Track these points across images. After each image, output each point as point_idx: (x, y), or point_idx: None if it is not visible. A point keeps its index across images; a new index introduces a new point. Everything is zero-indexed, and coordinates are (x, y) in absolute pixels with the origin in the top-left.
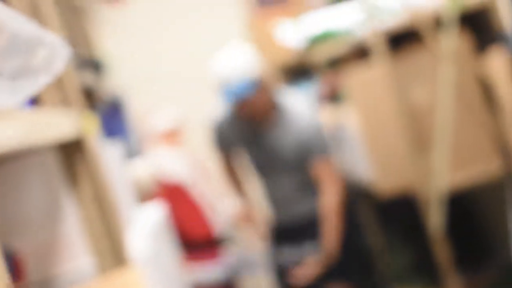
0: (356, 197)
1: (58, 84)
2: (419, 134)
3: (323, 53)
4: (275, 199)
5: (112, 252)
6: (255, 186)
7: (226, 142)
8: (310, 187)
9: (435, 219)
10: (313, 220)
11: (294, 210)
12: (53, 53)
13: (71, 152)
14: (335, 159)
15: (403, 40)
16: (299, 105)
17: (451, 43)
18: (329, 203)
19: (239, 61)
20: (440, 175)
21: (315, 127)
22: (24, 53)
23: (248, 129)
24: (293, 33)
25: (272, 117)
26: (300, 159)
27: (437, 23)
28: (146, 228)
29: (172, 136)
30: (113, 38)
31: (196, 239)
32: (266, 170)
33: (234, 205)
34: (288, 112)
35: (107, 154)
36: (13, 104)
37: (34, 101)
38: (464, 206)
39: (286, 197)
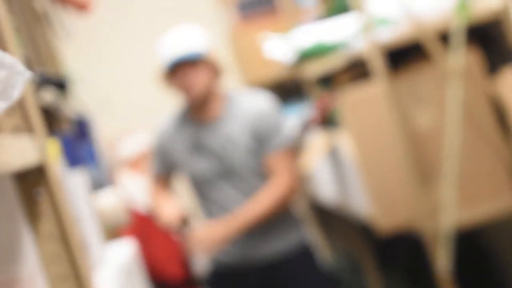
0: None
1: (17, 106)
2: (423, 163)
3: (315, 69)
4: None
5: None
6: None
7: (167, 151)
8: (283, 213)
9: (442, 260)
10: (281, 265)
11: (252, 246)
12: (12, 77)
13: (31, 181)
14: (296, 154)
15: (405, 55)
16: (250, 93)
17: (459, 59)
18: (270, 191)
19: (184, 34)
20: (448, 209)
21: (271, 112)
22: None
23: (193, 130)
24: (281, 47)
25: (219, 108)
26: (257, 156)
27: (444, 36)
28: (115, 268)
29: (142, 163)
30: (78, 54)
31: (171, 280)
32: (215, 181)
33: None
34: (238, 100)
35: (71, 183)
36: None
37: None
38: (475, 244)
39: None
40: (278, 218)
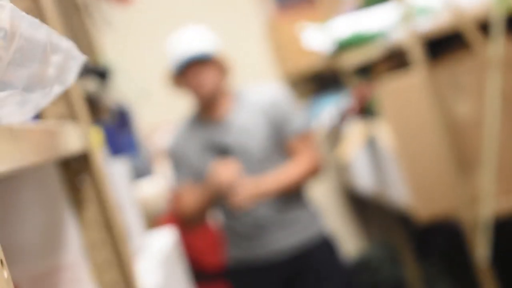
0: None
1: (61, 94)
2: (462, 152)
3: (353, 59)
4: (243, 222)
5: (119, 284)
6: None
7: (185, 157)
8: (298, 201)
9: (481, 249)
10: (301, 258)
11: (271, 241)
12: (67, 61)
13: (75, 169)
14: (314, 134)
15: (444, 45)
16: (259, 86)
17: (499, 49)
18: (298, 162)
19: (193, 34)
20: (487, 198)
21: (284, 97)
22: (37, 61)
23: (205, 130)
24: (319, 37)
25: (228, 105)
26: (276, 147)
27: (483, 25)
28: (156, 256)
29: None
30: (118, 44)
31: (211, 269)
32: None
33: None
34: (247, 94)
35: (114, 172)
36: (25, 117)
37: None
38: None
39: (260, 220)
40: (296, 209)
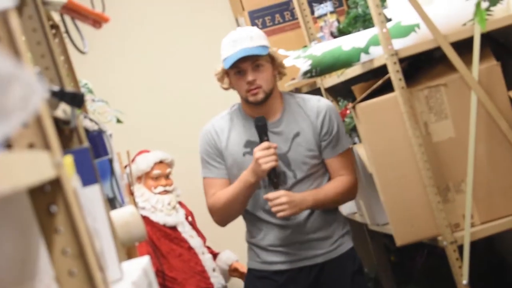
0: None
1: (32, 122)
2: (442, 175)
3: (332, 81)
4: (279, 235)
5: None
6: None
7: (221, 153)
8: (334, 216)
9: (461, 271)
10: (327, 268)
11: (309, 251)
12: (29, 90)
13: (47, 198)
14: (353, 155)
15: (423, 65)
16: (308, 96)
17: (479, 68)
18: (341, 180)
19: (249, 29)
20: (467, 221)
21: (334, 110)
22: None
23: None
24: (299, 60)
25: (278, 107)
26: (315, 157)
27: (462, 45)
28: (131, 286)
29: (157, 178)
30: (94, 66)
31: None
32: (267, 184)
33: (229, 256)
34: (295, 97)
35: (87, 199)
36: None
37: (5, 141)
38: (496, 254)
39: (298, 230)
40: (331, 217)
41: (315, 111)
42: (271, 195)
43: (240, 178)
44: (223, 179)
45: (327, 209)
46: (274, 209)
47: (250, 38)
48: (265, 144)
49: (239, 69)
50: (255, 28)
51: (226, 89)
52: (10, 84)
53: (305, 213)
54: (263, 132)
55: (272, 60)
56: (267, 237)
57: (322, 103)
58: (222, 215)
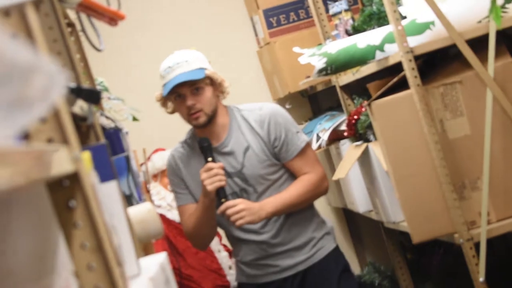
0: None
1: (51, 117)
2: (458, 172)
3: (347, 79)
4: (256, 249)
5: None
6: None
7: (183, 180)
8: (305, 220)
9: (479, 269)
10: (313, 271)
11: (289, 260)
12: (51, 81)
13: (66, 192)
14: (313, 149)
15: (439, 62)
16: (252, 105)
17: (495, 66)
18: (306, 177)
19: (185, 52)
20: (484, 218)
21: (281, 114)
22: (20, 82)
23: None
24: (314, 58)
25: (225, 124)
26: (271, 165)
27: (478, 42)
28: (148, 283)
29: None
30: (109, 64)
31: None
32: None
33: None
34: (242, 110)
35: (105, 195)
36: (5, 137)
37: (25, 136)
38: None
39: (274, 242)
40: (305, 222)
41: (258, 120)
42: (226, 204)
43: (198, 202)
44: (191, 205)
45: (299, 216)
46: (232, 218)
47: (186, 63)
48: (207, 165)
49: (178, 94)
50: (192, 51)
51: (170, 113)
52: (32, 74)
53: (276, 226)
54: (207, 153)
55: (211, 81)
56: (246, 253)
57: (264, 110)
58: (195, 239)
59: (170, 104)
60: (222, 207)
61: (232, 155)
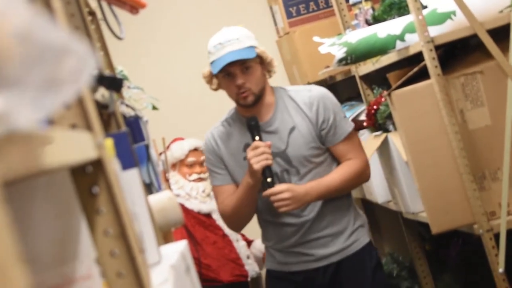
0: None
1: (75, 103)
2: (478, 163)
3: (368, 68)
4: (291, 235)
5: None
6: None
7: (222, 159)
8: (345, 209)
9: (498, 260)
10: (345, 263)
11: (322, 249)
12: (81, 63)
13: (89, 179)
14: (358, 136)
15: (460, 52)
16: (300, 87)
17: None
18: (350, 163)
19: (236, 29)
20: (504, 209)
21: (329, 97)
22: (51, 63)
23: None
24: (334, 47)
25: (271, 103)
26: (321, 149)
27: (500, 32)
28: (169, 270)
29: (193, 165)
30: (129, 53)
31: (225, 283)
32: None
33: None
34: (287, 91)
35: (126, 182)
36: (37, 119)
37: (49, 121)
38: None
39: (309, 229)
40: (343, 211)
41: (307, 102)
42: (272, 189)
43: (242, 182)
44: (229, 185)
45: (338, 204)
46: (276, 204)
47: (237, 40)
48: (254, 143)
49: (228, 72)
50: (241, 28)
51: (215, 89)
52: (64, 56)
53: (315, 210)
54: (254, 132)
55: (261, 59)
56: (279, 238)
57: (313, 92)
58: (233, 221)
59: (215, 81)
60: (267, 193)
61: (277, 135)
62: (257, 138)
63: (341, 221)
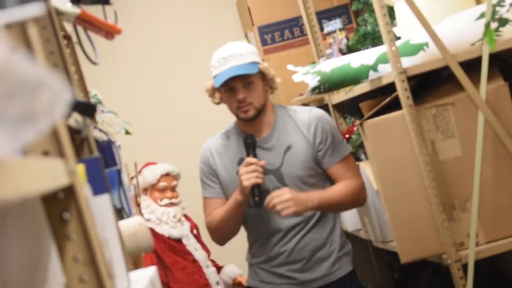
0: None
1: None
2: (448, 194)
3: (340, 98)
4: (277, 255)
5: None
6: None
7: (215, 172)
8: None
9: None
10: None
11: (306, 273)
12: (56, 96)
13: (60, 205)
14: (353, 160)
15: (431, 83)
16: (299, 107)
17: (487, 88)
18: (349, 182)
19: (239, 44)
20: (472, 239)
21: (327, 119)
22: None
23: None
24: (308, 76)
25: (270, 121)
26: (310, 168)
27: (471, 64)
28: None
29: (163, 189)
30: (102, 77)
31: None
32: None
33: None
34: (287, 109)
35: (96, 208)
36: (12, 150)
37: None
38: (501, 274)
39: (295, 250)
40: (331, 235)
41: (306, 122)
42: (274, 192)
43: (231, 197)
44: (219, 199)
45: (327, 229)
46: (278, 207)
47: (240, 55)
48: (247, 159)
49: (230, 87)
50: (245, 43)
51: (217, 103)
52: (39, 90)
53: (302, 232)
54: (250, 150)
55: (263, 75)
56: (266, 257)
57: (313, 113)
58: (217, 234)
59: (217, 95)
60: (269, 197)
61: (273, 152)
62: (250, 155)
63: (329, 247)
